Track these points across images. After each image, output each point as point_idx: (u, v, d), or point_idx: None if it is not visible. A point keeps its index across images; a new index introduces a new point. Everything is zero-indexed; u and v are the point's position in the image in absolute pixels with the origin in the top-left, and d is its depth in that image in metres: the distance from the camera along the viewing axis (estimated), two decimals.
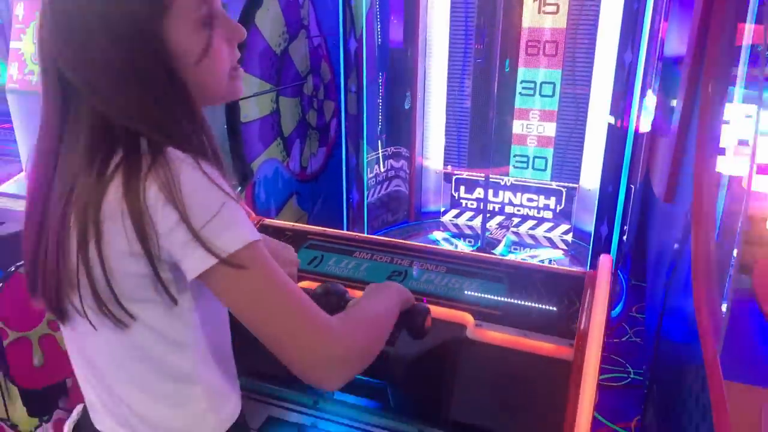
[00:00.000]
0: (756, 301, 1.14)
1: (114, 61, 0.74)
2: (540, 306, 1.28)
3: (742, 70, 1.27)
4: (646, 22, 1.70)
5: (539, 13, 2.43)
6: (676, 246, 1.60)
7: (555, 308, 1.26)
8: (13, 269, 1.79)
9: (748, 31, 1.29)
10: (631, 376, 2.68)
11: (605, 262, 1.20)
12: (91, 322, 0.83)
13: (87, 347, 0.90)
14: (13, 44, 2.15)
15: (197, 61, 0.78)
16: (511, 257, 2.38)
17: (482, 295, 1.34)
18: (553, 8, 2.40)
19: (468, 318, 1.28)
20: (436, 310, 1.30)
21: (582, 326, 1.16)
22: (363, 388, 1.34)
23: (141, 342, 0.85)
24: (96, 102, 0.76)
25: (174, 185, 0.72)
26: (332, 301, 1.11)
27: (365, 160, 2.52)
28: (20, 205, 1.42)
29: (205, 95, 0.82)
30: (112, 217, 0.74)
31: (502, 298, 1.32)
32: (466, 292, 1.36)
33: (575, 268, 1.78)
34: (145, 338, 0.84)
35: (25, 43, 2.12)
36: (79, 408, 1.04)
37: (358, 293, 1.08)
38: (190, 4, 0.76)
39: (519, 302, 1.30)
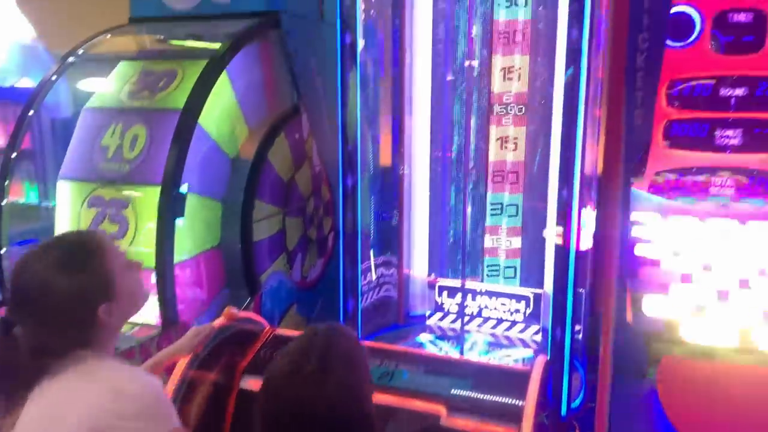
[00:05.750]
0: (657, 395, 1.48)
1: None
2: (496, 398, 1.64)
3: None
4: (577, 154, 2.20)
5: (501, 149, 2.96)
6: None
7: (507, 399, 1.63)
8: None
9: None
10: None
11: (539, 362, 1.58)
12: None
13: None
14: None
15: None
16: (483, 358, 2.74)
17: (453, 389, 1.70)
18: (512, 145, 2.95)
19: (442, 409, 1.64)
20: (418, 404, 1.67)
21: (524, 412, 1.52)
22: None
23: None
24: None
25: None
26: None
27: (359, 273, 2.92)
28: None
29: None
30: None
31: (468, 392, 1.68)
32: (440, 387, 1.72)
33: (523, 366, 2.15)
34: None
35: None
36: None
37: None
38: None
39: (481, 396, 1.66)
